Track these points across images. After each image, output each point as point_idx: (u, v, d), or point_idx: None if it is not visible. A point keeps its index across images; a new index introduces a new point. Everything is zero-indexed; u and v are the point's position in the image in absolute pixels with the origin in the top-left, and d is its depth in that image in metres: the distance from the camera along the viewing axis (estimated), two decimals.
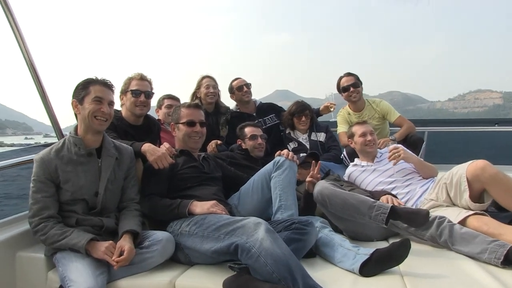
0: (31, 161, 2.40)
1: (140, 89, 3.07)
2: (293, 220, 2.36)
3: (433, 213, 2.67)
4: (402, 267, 2.18)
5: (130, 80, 3.12)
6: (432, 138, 4.99)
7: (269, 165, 2.76)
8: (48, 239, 2.20)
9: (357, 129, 3.53)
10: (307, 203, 2.86)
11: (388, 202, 2.75)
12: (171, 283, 2.12)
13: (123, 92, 3.12)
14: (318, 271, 2.15)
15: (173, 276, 2.17)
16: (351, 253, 2.28)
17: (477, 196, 2.65)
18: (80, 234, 2.19)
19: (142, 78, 3.13)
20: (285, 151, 2.82)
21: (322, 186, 2.64)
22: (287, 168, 2.68)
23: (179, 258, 2.35)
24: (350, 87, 4.35)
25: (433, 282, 1.99)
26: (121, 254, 2.14)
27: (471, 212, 2.55)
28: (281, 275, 1.87)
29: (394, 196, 2.93)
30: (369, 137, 3.44)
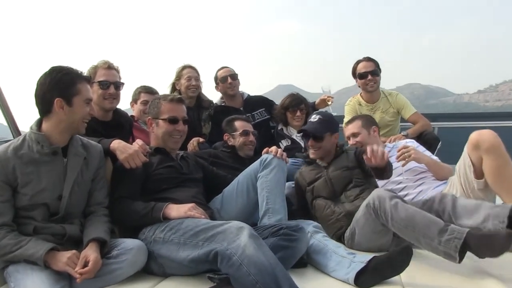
0: None
1: (108, 80, 3.04)
2: (281, 225, 2.35)
3: None
4: (403, 277, 2.17)
5: (95, 69, 3.07)
6: (445, 135, 4.97)
7: (256, 164, 2.74)
8: (0, 250, 2.15)
9: (345, 131, 3.56)
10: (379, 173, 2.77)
11: (374, 151, 2.62)
12: None
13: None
14: (308, 282, 2.16)
15: None
16: (345, 260, 2.27)
17: (480, 173, 2.67)
18: (38, 243, 2.15)
19: (109, 67, 3.09)
20: (273, 148, 2.80)
21: (386, 195, 2.43)
22: (276, 167, 2.66)
23: (152, 269, 2.33)
24: (368, 74, 4.29)
25: None
26: (85, 265, 2.10)
27: None
28: (265, 286, 1.85)
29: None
30: (351, 141, 3.44)
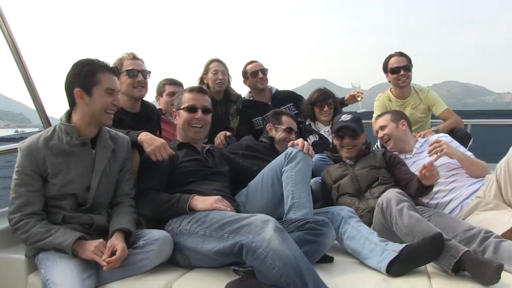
0: (14, 150, 2.43)
1: (136, 68, 3.12)
2: (307, 219, 2.35)
3: (478, 223, 2.59)
4: (429, 268, 2.19)
5: (121, 60, 3.15)
6: (478, 133, 4.89)
7: (280, 158, 2.75)
8: (30, 238, 2.23)
9: (374, 126, 3.55)
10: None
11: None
12: (167, 287, 2.15)
13: None
14: (334, 277, 2.16)
15: (169, 280, 2.20)
16: (378, 248, 2.29)
17: None
18: (66, 232, 2.22)
19: (135, 57, 3.17)
20: (299, 141, 2.79)
21: (395, 199, 2.47)
22: (301, 161, 2.65)
23: (178, 260, 2.38)
24: (401, 69, 4.27)
25: (461, 284, 1.99)
26: (112, 254, 2.16)
27: None
28: (290, 279, 1.87)
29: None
30: (380, 134, 3.44)
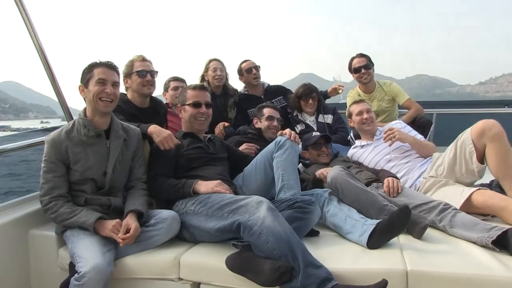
0: (42, 143, 2.45)
1: (145, 69, 3.10)
2: (296, 199, 2.37)
3: (437, 197, 2.67)
4: (402, 240, 2.24)
5: (132, 62, 3.14)
6: (442, 120, 4.93)
7: (271, 145, 2.76)
8: (58, 217, 2.27)
9: (354, 108, 3.54)
10: (315, 187, 2.90)
11: (389, 184, 2.75)
12: (176, 259, 2.17)
13: (127, 75, 3.13)
14: (320, 249, 2.17)
15: (178, 253, 2.21)
16: (359, 223, 2.32)
17: (480, 158, 2.64)
18: (88, 212, 2.25)
19: (144, 59, 3.15)
20: (287, 130, 2.80)
21: (337, 174, 2.62)
22: (289, 148, 2.66)
23: (185, 236, 2.39)
24: (362, 69, 4.33)
25: (431, 257, 2.00)
26: (127, 232, 2.19)
27: (474, 189, 2.54)
28: (282, 252, 1.90)
29: (398, 178, 2.90)
30: (365, 115, 3.44)
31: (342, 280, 1.88)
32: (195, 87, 2.93)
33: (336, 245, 2.26)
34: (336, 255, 2.11)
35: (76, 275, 2.01)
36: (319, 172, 2.93)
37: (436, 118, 4.88)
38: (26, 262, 2.49)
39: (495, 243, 2.03)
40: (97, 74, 2.36)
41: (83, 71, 2.42)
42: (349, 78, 4.62)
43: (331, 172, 2.67)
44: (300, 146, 3.67)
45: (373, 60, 4.40)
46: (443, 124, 4.98)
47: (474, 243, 2.14)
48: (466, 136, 2.66)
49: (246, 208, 2.10)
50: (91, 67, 2.39)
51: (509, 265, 1.87)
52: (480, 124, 2.60)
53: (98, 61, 2.42)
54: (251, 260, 1.97)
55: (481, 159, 2.64)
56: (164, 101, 3.93)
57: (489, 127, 2.55)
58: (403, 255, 2.05)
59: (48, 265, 2.43)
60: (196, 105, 2.85)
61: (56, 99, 3.03)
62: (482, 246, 2.09)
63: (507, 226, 2.10)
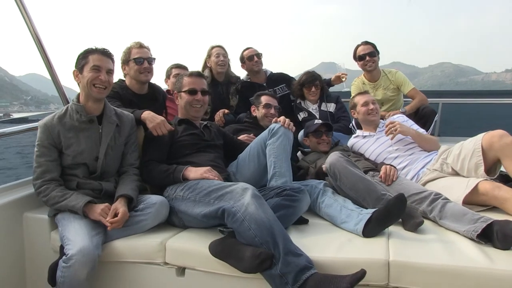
0: (36, 128, 2.47)
1: (142, 56, 3.08)
2: (285, 187, 2.35)
3: (435, 187, 2.63)
4: (391, 229, 2.20)
5: (129, 49, 3.12)
6: (447, 110, 4.82)
7: (265, 133, 2.72)
8: (49, 201, 2.29)
9: (359, 99, 3.47)
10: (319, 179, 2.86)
11: (387, 171, 2.73)
12: (162, 244, 2.17)
13: (125, 62, 3.12)
14: (306, 237, 2.15)
15: (164, 238, 2.21)
16: (354, 213, 2.28)
17: (489, 169, 2.57)
18: (78, 196, 2.26)
19: (141, 46, 3.13)
20: (281, 118, 2.76)
21: (336, 160, 2.56)
22: (282, 135, 2.62)
23: (174, 221, 2.39)
24: (366, 56, 4.23)
25: (416, 248, 1.96)
26: (115, 216, 2.20)
27: (482, 179, 2.48)
28: (263, 239, 1.88)
29: (394, 167, 2.86)
30: (371, 106, 3.38)
31: (323, 269, 1.85)
32: (191, 74, 2.90)
33: (323, 234, 2.22)
34: (321, 243, 2.07)
35: (64, 257, 2.03)
36: (326, 167, 2.84)
37: (442, 108, 4.77)
38: (20, 244, 2.53)
39: (480, 236, 1.98)
40: (92, 61, 2.36)
41: (78, 56, 2.41)
42: (356, 66, 4.54)
43: (330, 158, 2.61)
44: (301, 133, 3.64)
45: (395, 49, 4.34)
46: (449, 114, 4.86)
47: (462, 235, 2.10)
48: (476, 145, 2.56)
49: (232, 195, 2.09)
50: (87, 53, 2.38)
51: (493, 257, 1.82)
52: (488, 136, 2.52)
53: (93, 48, 2.41)
54: (233, 247, 1.95)
55: (489, 170, 2.55)
56: (166, 88, 3.92)
57: (498, 140, 2.47)
58: (388, 245, 2.01)
59: (41, 247, 2.46)
60: (192, 92, 2.82)
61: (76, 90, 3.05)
62: (470, 238, 2.04)
63: (494, 218, 2.06)
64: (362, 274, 1.69)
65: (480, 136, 2.58)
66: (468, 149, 2.60)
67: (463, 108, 5.54)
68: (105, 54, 2.41)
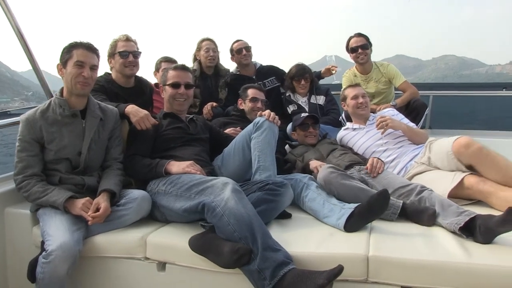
0: (18, 122, 2.43)
1: (127, 50, 3.03)
2: (267, 181, 2.32)
3: (421, 180, 2.62)
4: (374, 224, 2.18)
5: (116, 42, 3.07)
6: (438, 102, 4.80)
7: (250, 126, 2.69)
8: (31, 196, 2.26)
9: (349, 92, 3.44)
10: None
11: (374, 163, 2.72)
12: (143, 239, 2.14)
13: (111, 55, 3.07)
14: (287, 232, 2.13)
15: (145, 233, 2.19)
16: (337, 208, 2.25)
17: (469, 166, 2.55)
18: (60, 192, 2.23)
19: (128, 39, 3.08)
20: (266, 111, 2.72)
21: (328, 176, 2.47)
22: (266, 129, 2.59)
23: (156, 216, 2.37)
24: (359, 48, 4.17)
25: (397, 242, 1.95)
26: (97, 211, 2.17)
27: (467, 173, 2.47)
28: (242, 234, 1.85)
29: (382, 161, 2.84)
30: (360, 100, 3.35)
31: (302, 264, 1.83)
32: (175, 68, 2.85)
33: (305, 229, 2.20)
34: (302, 238, 2.05)
35: (44, 253, 2.01)
36: (314, 166, 2.82)
37: (433, 100, 4.74)
38: (2, 239, 2.50)
39: (463, 229, 1.96)
40: (76, 56, 2.31)
41: (63, 50, 2.36)
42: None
43: (321, 173, 2.54)
44: (289, 126, 3.61)
45: (398, 42, 4.29)
46: (440, 107, 4.84)
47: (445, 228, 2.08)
48: (449, 150, 2.55)
49: (212, 189, 2.06)
50: (71, 48, 2.33)
51: (473, 252, 1.81)
52: (456, 146, 2.50)
53: (78, 42, 2.36)
54: (213, 242, 1.93)
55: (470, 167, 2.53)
56: (155, 81, 3.88)
57: (465, 150, 2.46)
58: (369, 240, 1.99)
59: (23, 243, 2.44)
60: (175, 85, 2.77)
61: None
62: (452, 231, 2.02)
63: (478, 212, 2.04)
64: (339, 269, 1.66)
65: (450, 142, 2.55)
66: (443, 152, 2.59)
67: (467, 100, 5.51)
68: (90, 49, 2.36)
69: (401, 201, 2.29)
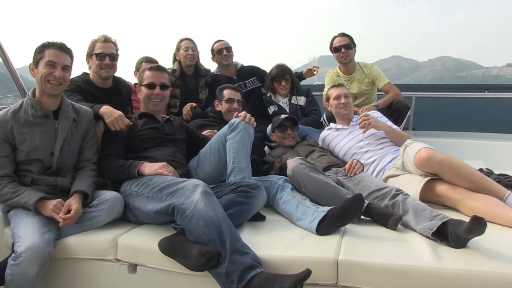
0: None
1: (104, 52, 2.99)
2: (241, 183, 2.32)
3: (396, 183, 2.62)
4: (348, 227, 2.16)
5: (94, 43, 3.03)
6: (421, 104, 4.82)
7: (225, 127, 2.67)
8: (2, 197, 2.23)
9: (332, 92, 3.44)
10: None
11: (352, 164, 2.74)
12: (114, 240, 2.13)
13: (89, 56, 3.04)
14: (259, 235, 2.13)
15: (116, 234, 2.17)
16: (310, 210, 2.24)
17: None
18: (31, 193, 2.20)
19: (106, 40, 3.04)
20: (242, 113, 2.71)
21: (297, 167, 2.50)
22: (242, 130, 2.57)
23: (129, 217, 2.35)
24: (342, 48, 4.14)
25: (369, 246, 1.94)
26: (69, 212, 2.15)
27: (435, 177, 2.47)
28: (210, 237, 1.85)
29: (361, 164, 2.85)
30: (343, 100, 3.34)
31: (271, 267, 1.83)
32: (151, 68, 2.83)
33: (277, 231, 2.20)
34: (273, 241, 2.05)
35: (13, 254, 1.98)
36: (289, 174, 2.76)
37: (415, 102, 4.76)
38: None
39: (436, 234, 1.96)
40: (47, 56, 2.27)
41: (36, 50, 2.33)
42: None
43: (290, 164, 2.56)
44: (269, 128, 3.60)
45: (394, 43, 4.26)
46: (422, 108, 4.87)
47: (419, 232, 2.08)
48: (414, 163, 2.51)
49: (183, 191, 2.05)
50: (43, 47, 2.30)
51: (443, 256, 1.80)
52: (417, 161, 2.47)
53: (51, 42, 2.33)
54: (181, 244, 1.92)
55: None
56: (136, 81, 3.84)
57: (427, 163, 2.43)
58: (341, 243, 1.98)
59: None
60: (150, 86, 2.75)
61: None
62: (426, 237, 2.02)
63: (453, 215, 2.06)
64: (306, 273, 1.66)
65: (413, 153, 2.52)
66: (410, 161, 2.57)
67: (460, 102, 5.52)
68: (62, 49, 2.33)
69: (367, 201, 2.28)
